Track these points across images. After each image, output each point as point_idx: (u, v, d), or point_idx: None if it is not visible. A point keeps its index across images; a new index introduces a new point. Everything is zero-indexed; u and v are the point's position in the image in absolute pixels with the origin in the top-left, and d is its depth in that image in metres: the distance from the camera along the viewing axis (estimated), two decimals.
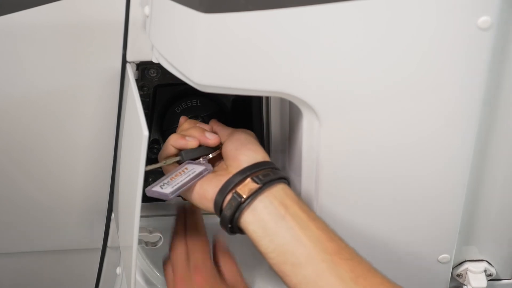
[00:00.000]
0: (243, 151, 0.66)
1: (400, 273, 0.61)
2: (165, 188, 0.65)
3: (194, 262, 0.69)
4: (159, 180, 0.67)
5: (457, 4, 0.56)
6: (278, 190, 0.62)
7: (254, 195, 0.61)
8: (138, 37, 0.67)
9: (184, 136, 0.69)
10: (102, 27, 0.66)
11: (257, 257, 0.81)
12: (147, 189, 0.65)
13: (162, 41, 0.64)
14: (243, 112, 0.81)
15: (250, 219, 0.61)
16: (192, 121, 0.74)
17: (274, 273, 0.64)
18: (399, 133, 0.63)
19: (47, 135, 0.74)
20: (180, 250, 0.70)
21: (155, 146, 0.84)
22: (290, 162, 0.74)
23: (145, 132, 0.58)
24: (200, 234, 0.72)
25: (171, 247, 0.71)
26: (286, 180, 0.64)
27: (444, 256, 0.71)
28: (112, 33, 0.66)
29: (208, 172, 0.66)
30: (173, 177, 0.66)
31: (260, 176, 0.62)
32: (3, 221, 0.82)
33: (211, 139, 0.69)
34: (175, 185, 0.65)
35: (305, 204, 0.63)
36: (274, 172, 0.64)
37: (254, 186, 0.62)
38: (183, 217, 0.74)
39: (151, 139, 0.83)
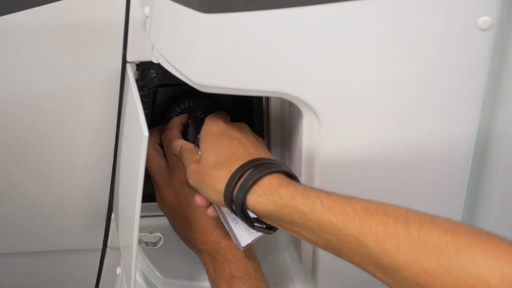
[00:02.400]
0: (203, 190, 0.65)
1: None
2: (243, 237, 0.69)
3: (172, 163, 0.75)
4: (233, 235, 0.69)
5: (457, 4, 0.56)
6: (254, 201, 0.59)
7: (251, 222, 0.60)
8: (138, 37, 0.67)
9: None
10: (102, 27, 0.66)
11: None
12: (243, 247, 0.69)
13: (162, 41, 0.64)
14: (243, 112, 0.81)
15: (272, 222, 0.60)
16: None
17: (272, 273, 0.64)
18: (399, 134, 0.63)
19: (47, 135, 0.74)
20: (157, 160, 0.76)
21: None
22: (290, 162, 0.74)
23: (145, 133, 0.58)
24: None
25: (149, 162, 0.76)
26: (250, 175, 0.59)
27: None
28: (112, 33, 0.66)
29: None
30: (233, 227, 0.69)
31: (234, 207, 0.60)
32: (3, 221, 0.82)
33: (200, 202, 0.68)
34: (240, 231, 0.68)
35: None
36: (239, 188, 0.59)
37: (243, 217, 0.60)
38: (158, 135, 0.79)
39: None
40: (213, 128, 0.68)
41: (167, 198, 0.75)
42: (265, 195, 0.58)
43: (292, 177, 0.61)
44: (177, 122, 0.78)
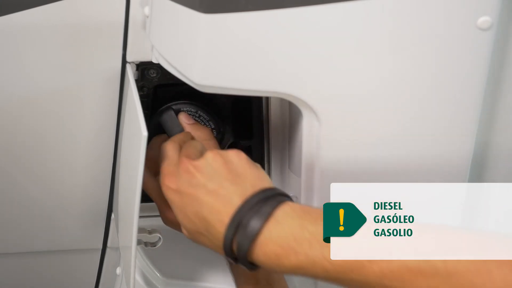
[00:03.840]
0: (198, 240, 0.60)
1: None
2: None
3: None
4: None
5: (457, 4, 0.56)
6: (263, 266, 0.55)
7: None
8: (138, 37, 0.67)
9: None
10: (102, 27, 0.66)
11: None
12: None
13: (162, 41, 0.64)
14: (243, 112, 0.81)
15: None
16: None
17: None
18: (399, 134, 0.63)
19: (47, 135, 0.74)
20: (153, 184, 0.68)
21: None
22: (290, 162, 0.74)
23: (145, 133, 0.58)
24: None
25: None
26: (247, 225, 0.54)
27: None
28: (112, 33, 0.66)
29: None
30: None
31: (236, 254, 0.55)
32: (3, 221, 0.82)
33: None
34: None
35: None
36: (238, 258, 0.55)
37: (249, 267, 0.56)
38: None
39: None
40: (171, 184, 0.61)
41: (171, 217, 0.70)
42: (268, 264, 0.54)
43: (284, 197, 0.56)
44: (158, 141, 0.74)
